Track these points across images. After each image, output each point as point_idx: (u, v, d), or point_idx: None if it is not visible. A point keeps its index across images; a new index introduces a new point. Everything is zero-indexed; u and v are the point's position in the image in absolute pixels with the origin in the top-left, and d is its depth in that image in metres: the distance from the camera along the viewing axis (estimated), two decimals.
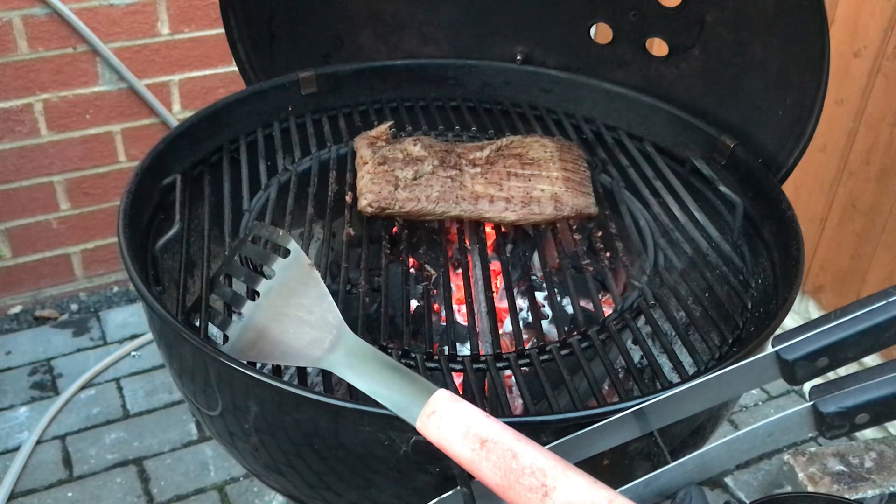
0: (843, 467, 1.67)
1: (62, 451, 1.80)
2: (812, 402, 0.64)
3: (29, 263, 2.12)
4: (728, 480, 1.82)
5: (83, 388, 1.95)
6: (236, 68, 2.10)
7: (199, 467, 1.77)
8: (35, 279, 2.15)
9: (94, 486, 1.73)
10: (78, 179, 2.07)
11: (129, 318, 2.17)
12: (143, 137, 2.09)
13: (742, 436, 0.66)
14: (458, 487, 0.68)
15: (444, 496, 0.69)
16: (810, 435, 0.66)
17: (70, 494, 1.71)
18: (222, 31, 2.04)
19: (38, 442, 1.81)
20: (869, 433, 1.89)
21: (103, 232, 2.17)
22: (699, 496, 0.64)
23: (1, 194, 2.00)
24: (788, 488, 1.66)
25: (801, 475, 1.65)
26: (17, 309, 2.15)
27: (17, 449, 1.78)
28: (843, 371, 0.73)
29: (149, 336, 2.08)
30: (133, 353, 2.05)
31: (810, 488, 1.62)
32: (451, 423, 0.65)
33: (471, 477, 0.67)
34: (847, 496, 1.59)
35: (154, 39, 1.99)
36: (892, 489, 1.63)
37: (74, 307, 2.19)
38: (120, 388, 1.96)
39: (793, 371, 0.66)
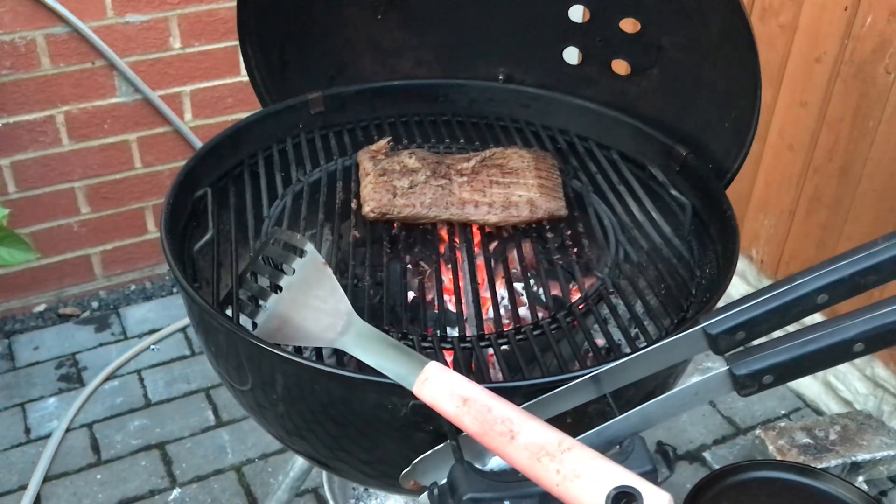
0: (809, 440, 1.73)
1: (90, 438, 1.88)
2: (728, 367, 0.74)
3: (52, 264, 2.19)
4: (706, 455, 1.89)
5: (107, 379, 2.03)
6: (243, 79, 2.21)
7: (217, 450, 1.86)
8: (58, 279, 2.22)
9: (121, 468, 1.81)
10: (97, 185, 2.14)
11: (147, 314, 2.23)
12: (158, 145, 2.16)
13: (673, 394, 0.76)
14: (448, 441, 0.78)
15: (436, 448, 0.80)
16: (728, 392, 0.75)
17: (99, 477, 1.79)
18: (230, 44, 2.16)
19: (68, 430, 1.89)
20: (835, 408, 1.97)
21: (121, 234, 2.24)
22: (640, 443, 0.77)
23: (26, 200, 2.07)
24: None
25: (771, 447, 1.71)
26: (41, 307, 2.22)
27: (48, 436, 1.87)
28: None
29: (167, 330, 2.16)
30: (153, 347, 2.12)
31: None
32: (440, 387, 0.75)
33: (458, 433, 0.77)
34: (813, 465, 1.67)
35: (167, 53, 2.07)
36: (853, 459, 1.69)
37: (95, 304, 2.26)
38: (141, 379, 2.04)
39: (717, 343, 0.75)
